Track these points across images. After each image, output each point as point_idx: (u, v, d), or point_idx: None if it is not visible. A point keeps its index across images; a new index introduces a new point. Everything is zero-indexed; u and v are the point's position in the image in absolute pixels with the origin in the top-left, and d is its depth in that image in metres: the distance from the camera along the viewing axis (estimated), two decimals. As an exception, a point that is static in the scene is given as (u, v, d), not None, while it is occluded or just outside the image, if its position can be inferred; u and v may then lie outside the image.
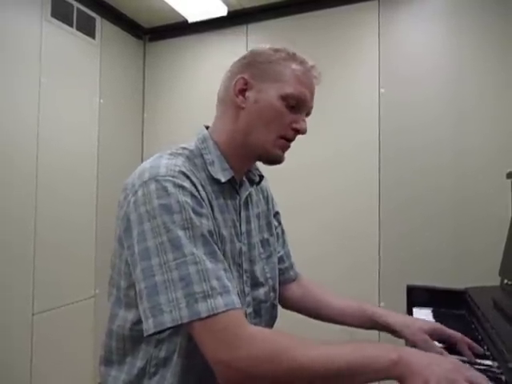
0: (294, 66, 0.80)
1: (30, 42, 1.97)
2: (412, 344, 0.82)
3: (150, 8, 2.47)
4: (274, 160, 0.82)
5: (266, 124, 0.78)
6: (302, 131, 0.81)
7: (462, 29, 1.99)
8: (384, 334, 0.88)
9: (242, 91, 0.80)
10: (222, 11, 2.34)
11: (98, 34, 2.37)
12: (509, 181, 1.42)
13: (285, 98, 0.78)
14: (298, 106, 0.79)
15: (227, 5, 2.33)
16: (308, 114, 0.84)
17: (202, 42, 2.60)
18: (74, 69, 2.22)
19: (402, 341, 0.88)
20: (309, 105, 0.82)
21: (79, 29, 2.24)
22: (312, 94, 0.82)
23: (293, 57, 0.80)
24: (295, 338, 0.63)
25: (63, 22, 2.14)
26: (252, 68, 0.80)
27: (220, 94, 0.85)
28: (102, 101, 2.40)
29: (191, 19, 2.45)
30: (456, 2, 2.01)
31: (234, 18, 2.45)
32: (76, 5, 2.22)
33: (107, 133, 2.44)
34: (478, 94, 1.94)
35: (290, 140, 0.81)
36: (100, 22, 2.39)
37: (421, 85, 2.04)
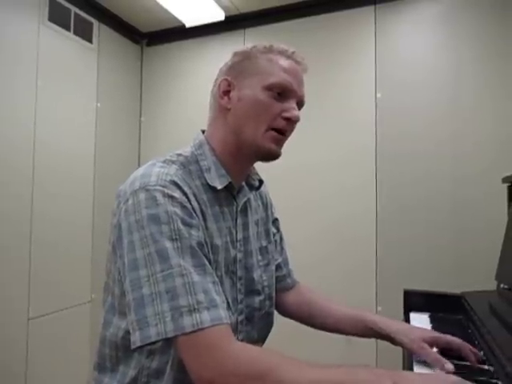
0: (273, 56, 0.78)
1: (27, 46, 1.97)
2: (410, 352, 0.81)
3: (147, 13, 2.48)
4: (268, 154, 0.78)
5: (254, 118, 0.76)
6: (294, 118, 0.77)
7: (459, 33, 2.00)
8: (381, 342, 0.88)
9: (227, 93, 0.79)
10: (219, 16, 2.34)
11: (95, 39, 2.37)
12: (505, 185, 1.43)
13: (269, 88, 0.76)
14: (285, 94, 0.77)
15: (224, 9, 2.33)
16: (301, 105, 0.81)
17: (200, 47, 2.60)
18: (72, 73, 2.22)
19: (399, 350, 0.87)
20: (297, 92, 0.78)
21: (76, 33, 2.24)
22: (298, 80, 0.79)
23: (270, 49, 0.79)
24: (283, 357, 0.61)
25: (60, 26, 2.15)
26: (233, 69, 0.80)
27: (209, 102, 0.85)
28: (99, 105, 2.40)
29: (189, 24, 2.45)
30: (452, 6, 2.02)
31: (232, 23, 2.46)
32: (73, 9, 2.22)
33: (104, 136, 2.43)
34: (475, 98, 1.95)
35: (282, 131, 0.78)
36: (97, 27, 2.39)
37: (417, 90, 2.05)
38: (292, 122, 0.78)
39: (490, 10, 1.94)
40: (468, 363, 0.78)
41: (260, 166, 0.91)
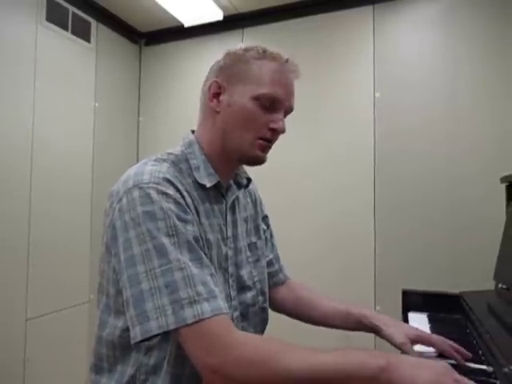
0: (266, 63, 0.77)
1: (25, 46, 1.96)
2: (393, 346, 0.82)
3: (145, 12, 2.47)
4: (254, 161, 0.80)
5: (241, 127, 0.77)
6: (280, 130, 0.78)
7: (457, 33, 2.00)
8: (380, 339, 0.88)
9: (217, 95, 0.79)
10: (217, 15, 2.34)
11: (93, 38, 2.37)
12: (503, 185, 1.43)
13: (257, 98, 0.76)
14: (273, 105, 0.77)
15: (223, 9, 2.33)
16: (288, 112, 0.81)
17: (198, 47, 2.60)
18: (70, 73, 2.22)
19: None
20: (285, 103, 0.78)
21: (74, 33, 2.24)
22: (288, 90, 0.79)
23: (263, 55, 0.78)
24: (283, 343, 0.63)
25: (58, 26, 2.14)
26: (224, 71, 0.80)
27: (200, 99, 0.85)
28: (97, 104, 2.39)
29: (187, 24, 2.45)
30: (451, 6, 2.02)
31: (230, 23, 2.46)
32: (71, 9, 2.21)
33: (102, 136, 2.43)
34: (473, 97, 1.95)
35: (269, 140, 0.79)
36: (95, 26, 2.39)
37: (415, 89, 2.05)
38: (277, 133, 0.79)
39: (489, 9, 1.94)
40: (465, 363, 0.79)
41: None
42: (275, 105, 0.77)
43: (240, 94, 0.77)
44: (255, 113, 0.76)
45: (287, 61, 0.78)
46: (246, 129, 0.77)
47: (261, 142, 0.78)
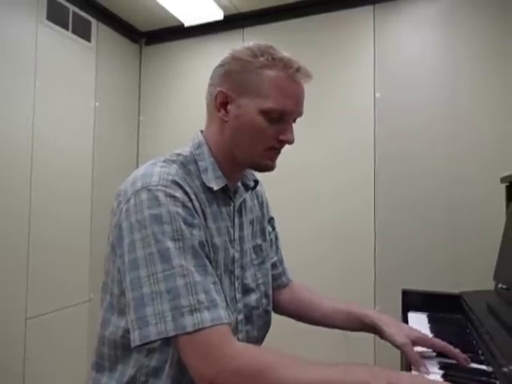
0: (275, 73, 0.74)
1: (25, 45, 1.96)
2: (394, 346, 0.82)
3: (146, 11, 2.47)
4: (265, 169, 0.81)
5: (250, 140, 0.77)
6: (288, 142, 0.78)
7: (457, 33, 2.00)
8: (379, 339, 0.88)
9: (224, 104, 0.78)
10: (218, 15, 2.34)
11: (93, 38, 2.37)
12: (503, 185, 1.43)
13: (265, 112, 0.74)
14: (282, 117, 0.76)
15: (223, 9, 2.33)
16: (297, 117, 0.81)
17: (199, 46, 2.60)
18: (70, 72, 2.22)
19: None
20: (295, 114, 0.78)
21: (75, 32, 2.24)
22: (298, 100, 0.77)
23: (273, 62, 0.74)
24: (283, 355, 0.62)
25: (59, 25, 2.14)
26: (230, 79, 0.77)
27: (206, 98, 0.83)
28: (97, 104, 2.39)
29: (187, 23, 2.45)
30: (451, 6, 2.02)
31: (230, 22, 2.46)
32: (72, 8, 2.21)
33: (103, 136, 2.43)
34: (473, 97, 1.95)
35: (277, 149, 0.79)
36: (96, 26, 2.38)
37: (416, 89, 2.05)
38: (286, 144, 0.79)
39: (488, 9, 1.94)
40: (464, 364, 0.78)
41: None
42: (284, 117, 0.76)
43: (248, 106, 0.75)
44: (264, 126, 0.75)
45: (298, 69, 0.75)
46: (254, 142, 0.77)
47: (270, 152, 0.78)
